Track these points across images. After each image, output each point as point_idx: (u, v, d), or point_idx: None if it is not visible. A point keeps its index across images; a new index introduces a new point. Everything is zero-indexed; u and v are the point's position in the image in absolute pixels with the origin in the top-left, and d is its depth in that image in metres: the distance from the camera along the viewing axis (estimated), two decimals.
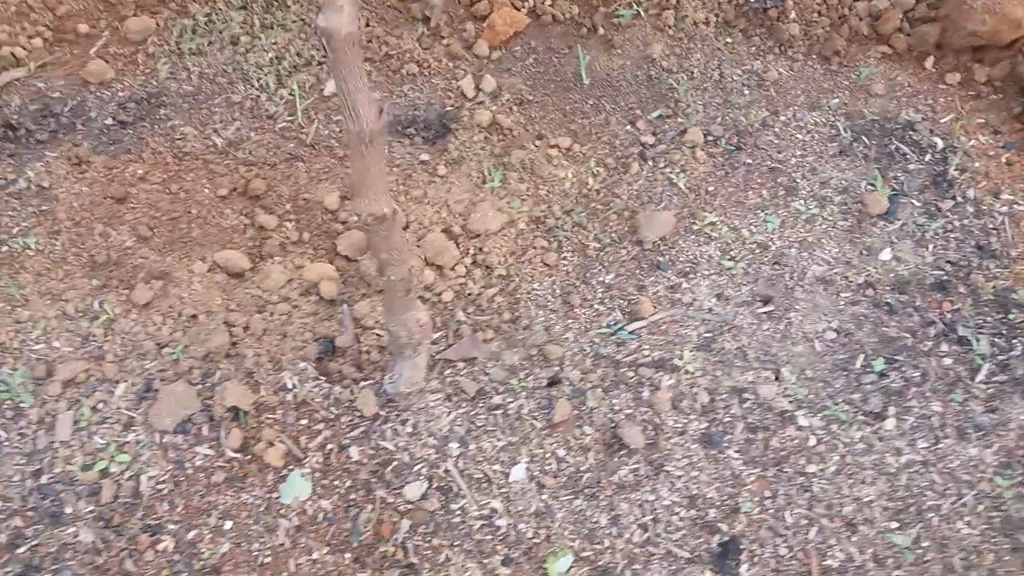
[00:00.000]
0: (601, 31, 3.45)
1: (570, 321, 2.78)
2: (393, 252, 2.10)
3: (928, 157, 3.13)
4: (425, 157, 3.10)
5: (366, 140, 1.86)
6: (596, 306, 2.81)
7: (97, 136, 2.99)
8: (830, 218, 3.02)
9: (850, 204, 3.05)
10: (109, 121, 3.03)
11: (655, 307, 2.81)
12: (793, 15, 3.43)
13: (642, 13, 3.45)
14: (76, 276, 2.67)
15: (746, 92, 3.31)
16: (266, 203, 2.92)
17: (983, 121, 3.24)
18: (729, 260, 2.91)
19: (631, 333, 2.75)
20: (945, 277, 2.90)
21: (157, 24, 3.25)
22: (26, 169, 2.86)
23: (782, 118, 3.24)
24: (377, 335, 2.71)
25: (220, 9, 3.29)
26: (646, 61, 3.38)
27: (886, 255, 2.94)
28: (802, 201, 3.05)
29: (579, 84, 3.33)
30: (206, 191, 2.90)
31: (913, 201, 3.05)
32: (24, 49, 3.14)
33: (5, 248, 2.69)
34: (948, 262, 2.94)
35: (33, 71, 3.11)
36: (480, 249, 2.90)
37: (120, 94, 3.11)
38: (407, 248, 2.13)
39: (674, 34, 3.44)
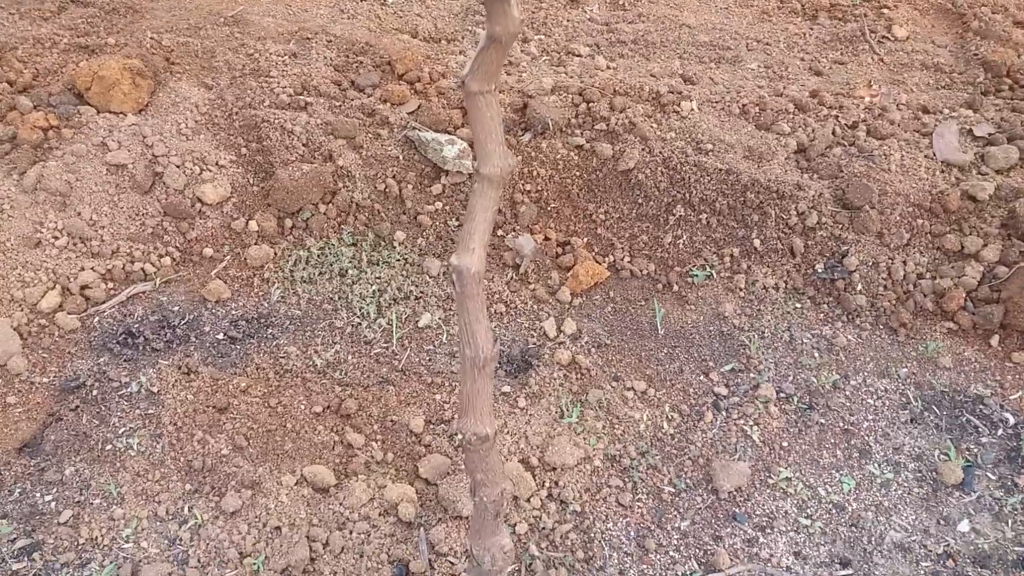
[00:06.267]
0: (676, 288, 3.70)
1: (645, 566, 2.77)
2: (489, 473, 2.18)
3: (1000, 432, 3.19)
4: (507, 389, 3.25)
5: (480, 365, 2.03)
6: (671, 553, 2.81)
7: (208, 349, 3.22)
8: (905, 484, 3.04)
9: (924, 472, 3.07)
10: (220, 336, 3.27)
11: (732, 560, 2.79)
12: (860, 287, 3.64)
13: (714, 275, 3.71)
14: (172, 479, 2.78)
15: (816, 355, 3.46)
16: (356, 422, 3.06)
17: None
18: (806, 518, 2.92)
19: None
20: None
21: (275, 253, 3.59)
22: (139, 374, 3.07)
23: (852, 382, 3.36)
24: (451, 562, 2.72)
25: (332, 244, 3.63)
26: (718, 318, 3.58)
27: (964, 527, 2.92)
28: (876, 465, 3.09)
29: (654, 333, 3.53)
30: (302, 407, 3.06)
31: (988, 474, 3.07)
32: (154, 266, 3.47)
33: (110, 446, 2.84)
34: None
35: (158, 286, 3.42)
36: (556, 483, 2.96)
37: (233, 312, 3.38)
38: (501, 471, 2.22)
39: (745, 296, 3.67)
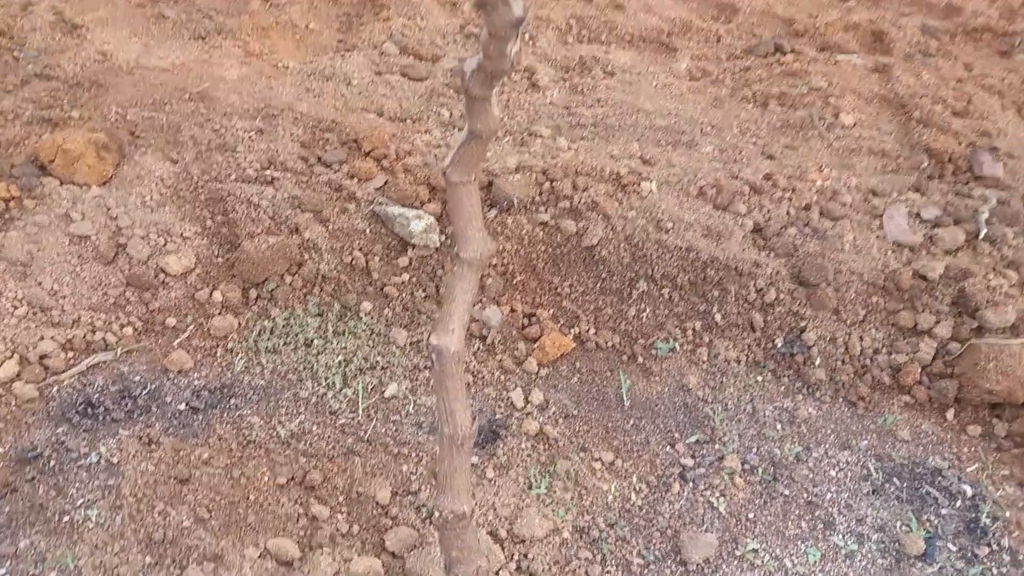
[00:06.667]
0: (640, 360, 3.74)
1: None
2: (464, 551, 2.17)
3: (959, 503, 3.25)
4: (475, 460, 3.23)
5: (458, 443, 2.03)
6: None
7: (169, 419, 3.16)
8: (869, 555, 3.07)
9: (887, 543, 3.11)
10: (182, 406, 3.22)
11: None
12: (818, 361, 3.73)
13: (677, 348, 3.77)
14: (132, 551, 2.69)
15: (779, 427, 3.51)
16: (321, 494, 3.01)
17: (1008, 473, 3.38)
18: None
19: None
20: None
21: (239, 323, 3.56)
22: (99, 445, 2.99)
23: (815, 454, 3.40)
24: None
25: (298, 315, 3.62)
26: (682, 390, 3.63)
27: None
28: (840, 536, 3.11)
29: (620, 404, 3.55)
30: (265, 479, 3.00)
31: (949, 545, 3.11)
32: (115, 336, 3.42)
33: (67, 518, 2.74)
34: None
35: (119, 356, 3.37)
36: (525, 555, 2.93)
37: (196, 382, 3.33)
38: (477, 548, 2.20)
39: (708, 368, 3.73)
